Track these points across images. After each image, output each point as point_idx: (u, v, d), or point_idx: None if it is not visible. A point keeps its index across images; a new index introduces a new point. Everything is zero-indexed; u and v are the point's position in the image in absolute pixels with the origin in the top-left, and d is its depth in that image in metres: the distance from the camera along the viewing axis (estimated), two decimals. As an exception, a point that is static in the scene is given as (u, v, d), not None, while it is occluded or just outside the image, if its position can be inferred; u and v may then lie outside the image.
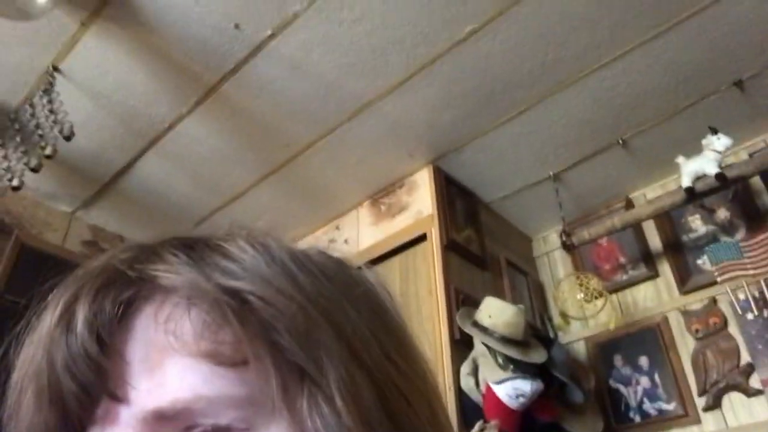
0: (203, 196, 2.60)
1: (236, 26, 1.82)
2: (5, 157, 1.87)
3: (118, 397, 0.32)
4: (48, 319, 0.34)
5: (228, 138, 2.27)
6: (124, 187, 2.51)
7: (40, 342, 0.34)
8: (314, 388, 0.32)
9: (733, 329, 2.12)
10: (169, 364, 0.32)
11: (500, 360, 1.87)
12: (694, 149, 2.11)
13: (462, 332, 1.98)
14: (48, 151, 1.76)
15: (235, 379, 0.31)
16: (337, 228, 2.76)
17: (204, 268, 0.34)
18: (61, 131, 1.76)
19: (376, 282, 0.42)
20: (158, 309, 0.33)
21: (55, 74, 1.91)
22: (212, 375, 0.31)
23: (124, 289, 0.34)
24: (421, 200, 2.44)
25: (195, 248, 0.36)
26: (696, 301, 2.26)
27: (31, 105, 1.90)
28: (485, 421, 1.78)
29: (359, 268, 0.42)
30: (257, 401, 0.31)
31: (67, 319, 0.33)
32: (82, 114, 2.05)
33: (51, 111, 1.81)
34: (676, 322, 2.27)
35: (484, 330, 1.92)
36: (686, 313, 2.25)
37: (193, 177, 2.48)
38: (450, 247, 2.26)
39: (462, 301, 2.11)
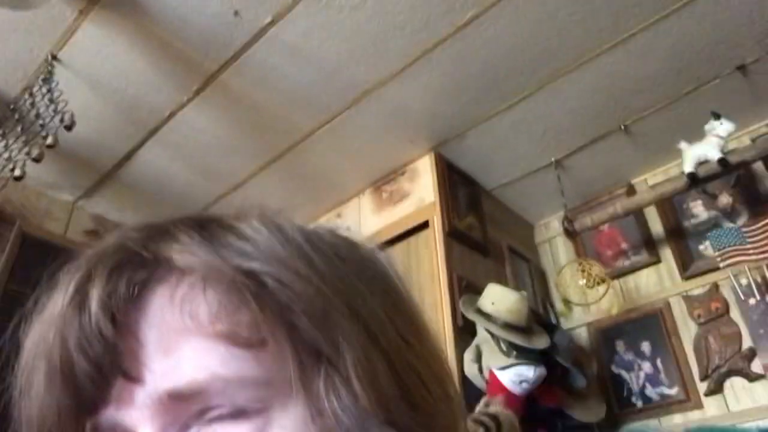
0: (205, 185, 2.60)
1: (236, 13, 1.81)
2: (6, 147, 1.86)
3: (133, 378, 0.32)
4: (60, 299, 0.33)
5: (229, 126, 2.26)
6: (126, 176, 2.50)
7: (52, 321, 0.33)
8: (331, 369, 0.32)
9: (734, 314, 2.13)
10: (185, 345, 0.31)
11: (503, 346, 1.87)
12: (696, 135, 2.10)
13: (465, 319, 1.99)
14: (49, 140, 1.75)
15: (252, 361, 0.31)
16: (339, 216, 2.76)
17: (219, 249, 0.34)
18: (61, 120, 1.75)
19: (387, 262, 0.42)
20: (174, 290, 0.33)
21: (54, 63, 1.90)
22: (229, 356, 0.31)
23: (139, 270, 0.34)
24: (423, 187, 2.43)
25: (208, 228, 0.35)
26: (698, 287, 2.26)
27: (31, 94, 1.88)
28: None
29: (371, 249, 0.42)
30: (274, 382, 0.31)
31: (80, 298, 0.33)
32: (81, 103, 2.04)
33: (51, 100, 1.80)
34: (678, 308, 2.28)
35: (487, 317, 1.93)
36: (688, 299, 2.26)
37: (194, 165, 2.47)
38: (452, 235, 2.26)
39: (465, 288, 2.11)
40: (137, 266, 0.34)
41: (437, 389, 0.36)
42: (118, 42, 1.88)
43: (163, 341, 0.32)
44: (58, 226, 2.53)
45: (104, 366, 0.32)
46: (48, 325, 0.33)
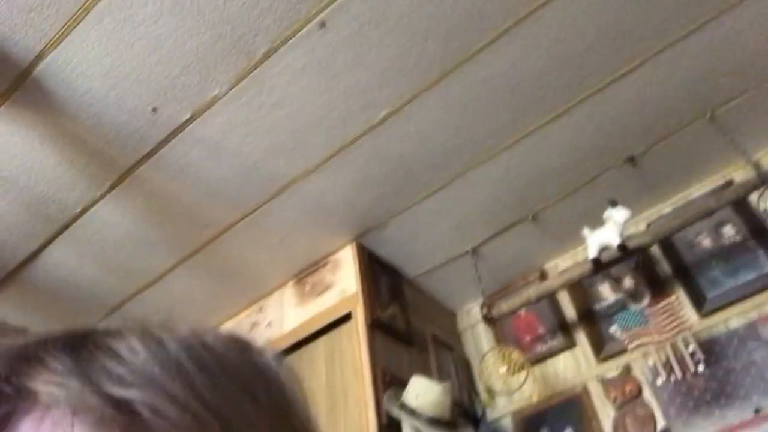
0: (117, 283, 2.48)
1: (154, 110, 1.83)
2: None
3: None
4: None
5: (144, 221, 2.21)
6: (30, 276, 2.35)
7: None
8: None
9: (647, 395, 2.20)
10: None
11: (429, 440, 1.84)
12: (598, 221, 2.25)
13: (390, 416, 1.94)
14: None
15: None
16: (260, 310, 2.70)
17: (91, 375, 0.31)
18: (-42, 218, 1.66)
19: (283, 370, 0.40)
20: (39, 425, 0.30)
21: (-44, 158, 1.82)
22: None
23: (1, 404, 0.31)
24: (345, 278, 2.43)
25: (80, 350, 0.33)
26: (612, 369, 2.34)
27: (-74, 191, 1.78)
28: None
29: (267, 356, 0.41)
30: None
31: None
32: (-17, 199, 1.95)
33: (-52, 197, 1.71)
34: (596, 391, 2.33)
35: (411, 412, 1.90)
36: (604, 382, 2.32)
37: (105, 263, 2.37)
38: (375, 326, 2.24)
39: (389, 381, 2.08)
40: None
41: None
42: (28, 139, 1.84)
43: None
44: (-52, 331, 2.31)
45: None
46: None
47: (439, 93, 1.95)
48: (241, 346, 0.39)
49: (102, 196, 2.07)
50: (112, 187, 2.05)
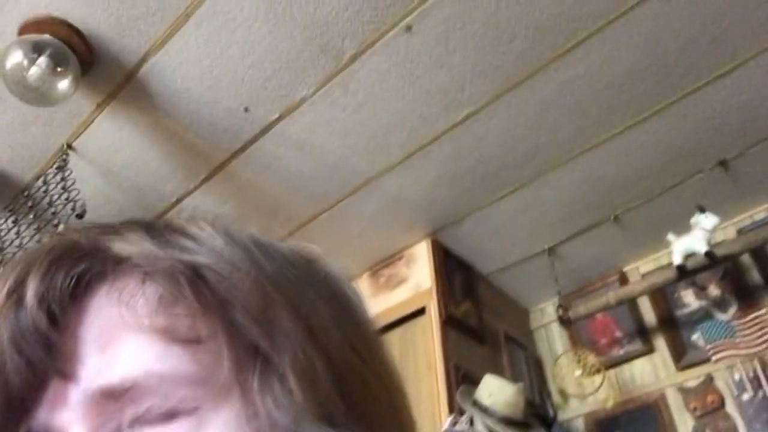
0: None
1: (246, 109, 1.92)
2: (18, 234, 1.91)
3: (68, 376, 0.30)
4: None
5: (232, 211, 2.34)
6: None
7: None
8: (267, 366, 0.31)
9: (730, 408, 2.13)
10: (122, 341, 0.30)
11: (501, 440, 1.86)
12: (684, 226, 2.18)
13: (462, 412, 1.98)
14: (60, 228, 1.80)
15: (188, 357, 0.30)
16: (336, 299, 2.78)
17: (162, 245, 0.33)
18: (73, 209, 1.81)
19: (343, 278, 0.40)
20: (112, 283, 0.32)
21: (69, 152, 1.98)
22: (165, 352, 0.30)
23: (78, 262, 0.33)
24: (420, 273, 2.48)
25: (155, 228, 0.35)
26: (692, 378, 2.27)
27: (45, 182, 1.96)
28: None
29: (328, 266, 0.41)
30: (209, 380, 0.30)
31: (17, 293, 0.31)
32: (92, 190, 2.11)
33: (64, 188, 1.87)
34: (674, 400, 2.27)
35: (484, 410, 1.92)
36: (683, 390, 2.26)
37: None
38: (449, 322, 2.28)
39: (462, 377, 2.11)
40: (77, 258, 0.33)
41: (383, 394, 0.35)
42: (131, 134, 1.98)
43: (101, 336, 0.31)
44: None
45: (38, 363, 0.30)
46: None
47: (522, 93, 1.93)
48: (307, 255, 0.40)
49: (196, 188, 2.20)
50: (205, 180, 2.17)
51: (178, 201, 2.24)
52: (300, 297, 0.34)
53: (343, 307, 0.37)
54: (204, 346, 0.31)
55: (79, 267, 0.32)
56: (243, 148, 2.05)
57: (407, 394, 0.39)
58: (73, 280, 0.32)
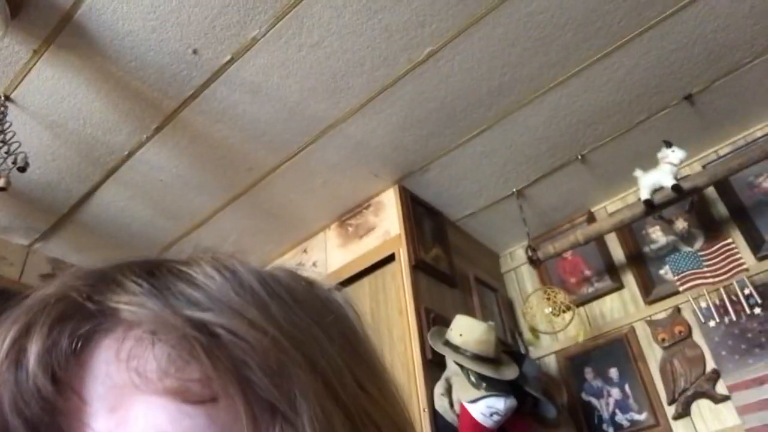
0: (166, 224, 2.55)
1: (194, 52, 1.81)
2: (-45, 190, 1.80)
3: None
4: None
5: (189, 164, 2.24)
6: (84, 218, 2.44)
7: None
8: (287, 426, 0.30)
9: (697, 337, 2.17)
10: (131, 403, 0.29)
11: (473, 378, 1.86)
12: (650, 162, 2.17)
13: (434, 352, 1.97)
14: (1, 182, 1.70)
15: (204, 418, 0.29)
16: (305, 251, 2.74)
17: (169, 298, 0.32)
18: (14, 162, 1.71)
19: (345, 304, 0.40)
20: (120, 344, 0.31)
21: (7, 104, 1.86)
22: (179, 413, 0.29)
23: (83, 323, 0.31)
24: (388, 220, 2.44)
25: (157, 275, 0.34)
26: (660, 311, 2.30)
27: (-18, 136, 1.83)
28: None
29: (329, 289, 0.41)
30: None
31: (16, 353, 0.30)
32: (37, 144, 2.00)
33: (3, 141, 1.76)
34: (643, 333, 2.31)
35: (455, 349, 1.92)
36: (652, 323, 2.29)
37: (154, 205, 2.43)
38: (419, 267, 2.26)
39: (433, 320, 2.10)
40: (81, 318, 0.31)
41: (390, 428, 0.35)
42: (74, 82, 1.86)
43: (108, 399, 0.30)
44: (13, 270, 2.44)
45: (42, 428, 0.29)
46: None
47: (484, 29, 1.86)
48: (306, 281, 0.40)
49: (148, 139, 2.10)
50: (157, 131, 2.07)
51: (130, 154, 2.14)
52: (313, 346, 0.33)
53: (350, 342, 0.37)
54: (219, 406, 0.30)
55: (84, 327, 0.31)
56: (194, 95, 1.95)
57: (411, 419, 0.39)
58: (79, 342, 0.31)
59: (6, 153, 1.72)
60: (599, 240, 2.50)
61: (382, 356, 0.40)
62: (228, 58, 1.83)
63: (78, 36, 1.73)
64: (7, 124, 1.79)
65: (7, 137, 1.76)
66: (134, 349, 0.30)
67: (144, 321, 0.31)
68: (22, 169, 1.71)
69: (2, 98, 1.84)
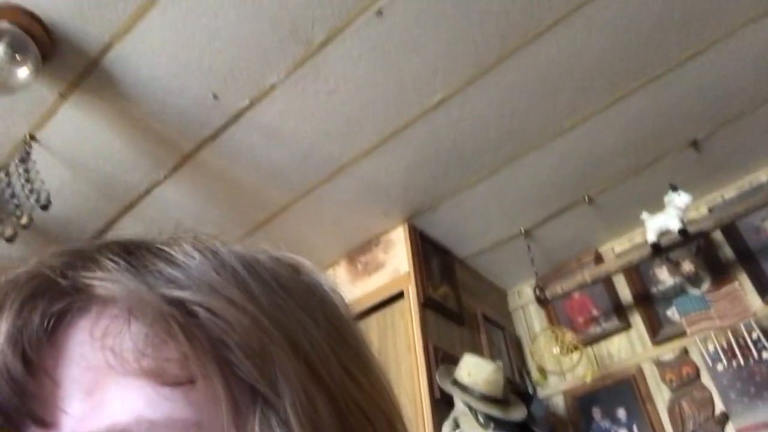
0: (179, 259, 2.59)
1: (215, 96, 1.88)
2: (-20, 228, 1.85)
3: (47, 423, 0.27)
4: None
5: (205, 201, 2.30)
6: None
7: None
8: (268, 409, 0.29)
9: (705, 379, 2.17)
10: (106, 385, 0.28)
11: (481, 419, 1.87)
12: (657, 204, 2.20)
13: (442, 391, 1.99)
14: (24, 220, 1.76)
15: (182, 400, 0.28)
16: (314, 287, 2.76)
17: (146, 276, 0.31)
18: (37, 200, 1.76)
19: (330, 288, 0.39)
20: (94, 323, 0.29)
21: (32, 143, 1.92)
22: (156, 396, 0.28)
23: (55, 300, 0.30)
24: (397, 258, 2.47)
25: (136, 254, 0.32)
26: (668, 352, 2.31)
27: (7, 174, 1.90)
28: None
29: (315, 274, 0.39)
30: (205, 424, 0.28)
31: None
32: (58, 181, 2.06)
33: (27, 180, 1.82)
34: (651, 373, 2.32)
35: (464, 388, 1.93)
36: (660, 364, 2.30)
37: (169, 240, 2.47)
38: (427, 304, 2.28)
39: (441, 358, 2.12)
40: (54, 296, 0.30)
41: (378, 415, 0.34)
42: (97, 123, 1.92)
43: (83, 381, 0.28)
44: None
45: (12, 412, 0.27)
46: None
47: (495, 77, 1.92)
48: (293, 266, 0.38)
49: (165, 178, 2.15)
50: (175, 169, 2.13)
51: (148, 191, 2.20)
52: (297, 328, 0.32)
53: (336, 327, 0.35)
54: (198, 387, 0.28)
55: (57, 306, 0.29)
56: (213, 137, 2.01)
57: (399, 407, 0.38)
58: (51, 321, 0.29)
59: (30, 191, 1.78)
60: (607, 280, 2.52)
61: (370, 344, 0.39)
62: (246, 103, 1.90)
63: (103, 80, 1.80)
64: (31, 163, 1.85)
65: (32, 175, 1.82)
66: (109, 327, 0.29)
67: (119, 298, 0.30)
68: (45, 207, 1.77)
69: (28, 138, 1.91)
